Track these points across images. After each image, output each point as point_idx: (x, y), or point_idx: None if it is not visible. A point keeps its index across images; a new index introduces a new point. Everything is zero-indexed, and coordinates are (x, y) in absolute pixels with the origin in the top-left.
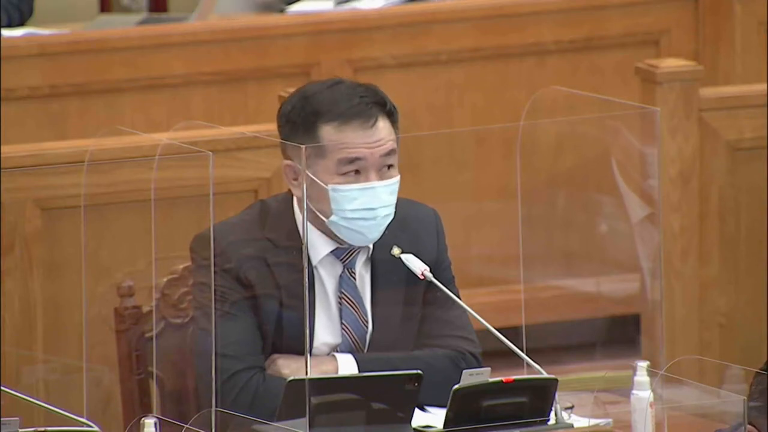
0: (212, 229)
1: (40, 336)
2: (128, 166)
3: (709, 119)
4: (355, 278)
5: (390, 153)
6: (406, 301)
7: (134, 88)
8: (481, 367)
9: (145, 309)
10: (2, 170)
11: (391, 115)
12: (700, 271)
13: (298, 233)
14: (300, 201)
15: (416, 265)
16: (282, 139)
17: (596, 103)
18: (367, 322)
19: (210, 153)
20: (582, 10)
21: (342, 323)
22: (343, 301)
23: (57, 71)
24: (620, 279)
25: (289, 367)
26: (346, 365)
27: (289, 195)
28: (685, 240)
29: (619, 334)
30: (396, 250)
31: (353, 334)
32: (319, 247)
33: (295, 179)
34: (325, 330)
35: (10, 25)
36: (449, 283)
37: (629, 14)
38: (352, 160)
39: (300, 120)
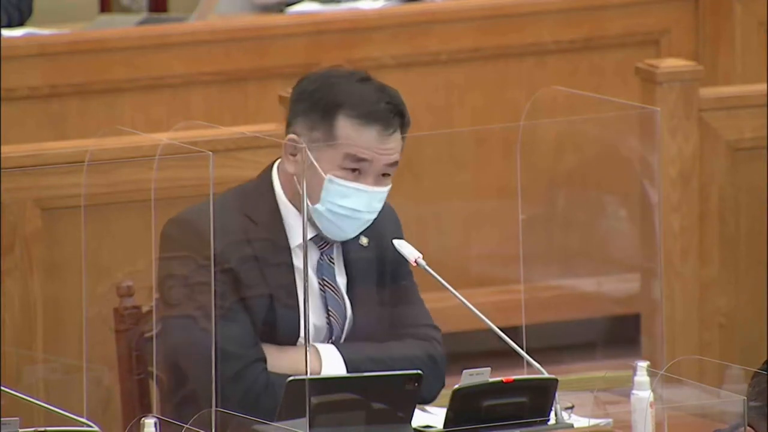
0: (212, 230)
1: (40, 336)
2: (128, 166)
3: (709, 119)
4: (334, 264)
5: (394, 164)
6: (378, 286)
7: (134, 88)
8: (442, 348)
9: (145, 309)
10: (2, 170)
11: (404, 128)
12: (700, 271)
13: (279, 212)
14: (287, 177)
15: (409, 252)
16: (293, 113)
17: (596, 103)
18: (346, 307)
19: (210, 153)
20: (582, 10)
21: (328, 310)
22: (326, 288)
23: (57, 71)
24: (620, 279)
25: (269, 357)
26: (329, 356)
27: (268, 173)
28: (685, 240)
29: (619, 334)
30: (364, 240)
31: (339, 320)
32: (299, 231)
33: (293, 154)
34: (312, 312)
35: (10, 25)
36: (410, 275)
37: (629, 14)
38: (359, 159)
39: (322, 103)
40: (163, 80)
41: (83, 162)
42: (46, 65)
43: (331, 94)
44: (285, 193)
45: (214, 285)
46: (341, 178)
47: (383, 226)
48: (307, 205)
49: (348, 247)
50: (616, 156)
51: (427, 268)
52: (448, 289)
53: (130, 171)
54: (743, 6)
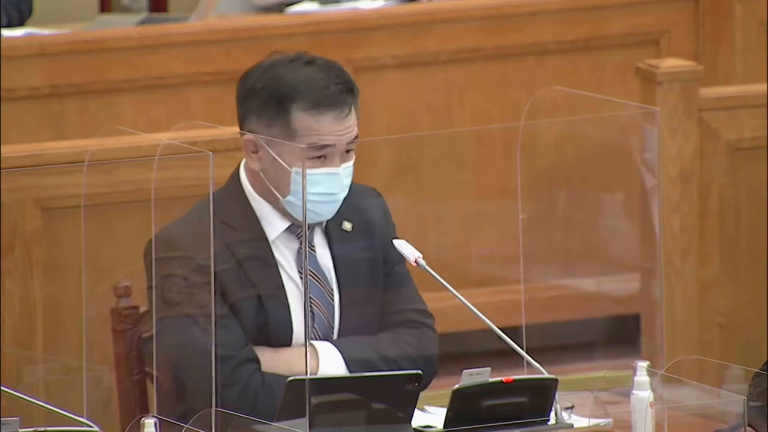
0: (212, 229)
1: (40, 336)
2: (128, 166)
3: (709, 119)
4: (315, 251)
5: (354, 139)
6: (368, 272)
7: (134, 88)
8: (435, 335)
9: (142, 309)
10: (2, 170)
11: (356, 97)
12: (700, 271)
13: (252, 210)
14: (254, 173)
15: (409, 252)
16: (245, 110)
17: (596, 103)
18: (332, 295)
19: (210, 153)
20: (582, 10)
21: (310, 298)
22: (308, 276)
23: (57, 71)
24: (620, 279)
25: (264, 359)
26: (327, 354)
27: (236, 174)
28: (685, 240)
29: (619, 334)
30: (347, 225)
31: (323, 308)
32: (275, 223)
33: (254, 152)
34: (298, 306)
35: (10, 25)
36: (401, 263)
37: (629, 14)
38: (322, 147)
39: (273, 100)
40: (163, 80)
41: (83, 162)
42: (46, 65)
43: (281, 89)
44: (254, 188)
45: (203, 295)
46: (308, 167)
47: (370, 214)
48: (279, 197)
49: (332, 235)
50: (616, 156)
51: (427, 268)
52: (448, 289)
53: (130, 171)
54: (743, 6)
